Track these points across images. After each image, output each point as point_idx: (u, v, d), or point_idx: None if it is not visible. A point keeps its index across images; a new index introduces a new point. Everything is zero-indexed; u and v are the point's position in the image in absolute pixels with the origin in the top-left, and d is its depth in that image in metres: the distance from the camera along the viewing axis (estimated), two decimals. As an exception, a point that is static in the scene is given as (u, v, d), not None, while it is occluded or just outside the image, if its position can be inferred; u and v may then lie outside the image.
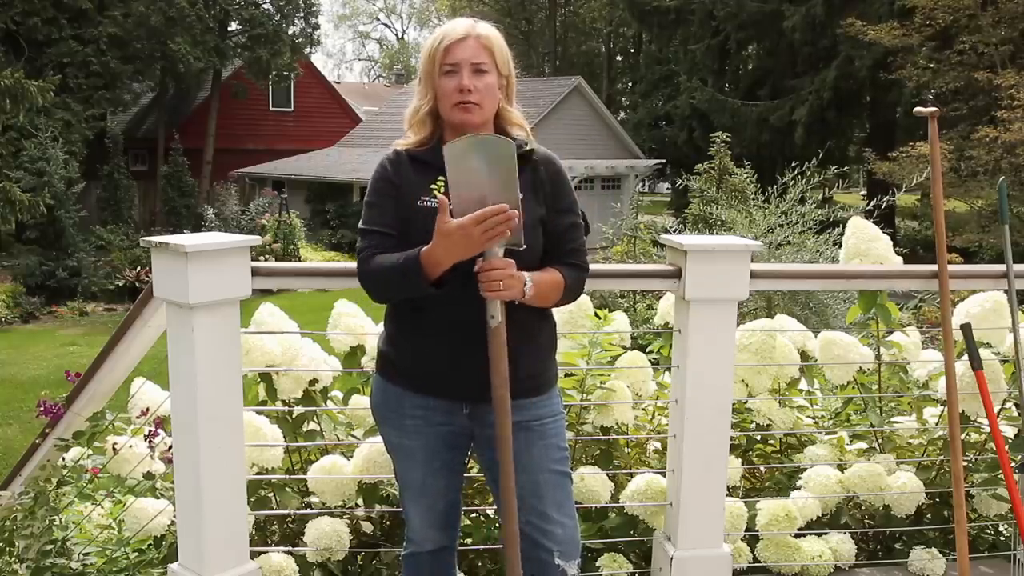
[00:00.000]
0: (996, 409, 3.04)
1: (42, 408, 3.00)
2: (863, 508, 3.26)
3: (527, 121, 2.26)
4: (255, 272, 2.55)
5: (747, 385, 3.25)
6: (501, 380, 2.04)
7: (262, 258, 16.88)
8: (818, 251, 8.96)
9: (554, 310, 2.29)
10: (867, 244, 3.23)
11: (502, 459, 2.07)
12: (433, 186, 2.13)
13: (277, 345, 2.91)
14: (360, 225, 2.20)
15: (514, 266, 2.02)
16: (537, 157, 2.19)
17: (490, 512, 3.01)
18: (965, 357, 2.99)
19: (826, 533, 3.16)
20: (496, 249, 2.00)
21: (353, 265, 2.27)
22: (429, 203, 2.11)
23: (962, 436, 3.08)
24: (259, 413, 2.91)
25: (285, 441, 2.95)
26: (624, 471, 3.13)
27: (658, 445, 3.27)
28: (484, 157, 1.96)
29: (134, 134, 29.28)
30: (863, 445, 3.39)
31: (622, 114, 37.92)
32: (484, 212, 1.94)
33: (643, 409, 3.34)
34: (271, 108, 31.60)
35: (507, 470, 2.07)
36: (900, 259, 3.29)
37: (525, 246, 2.04)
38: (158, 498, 2.93)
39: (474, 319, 2.06)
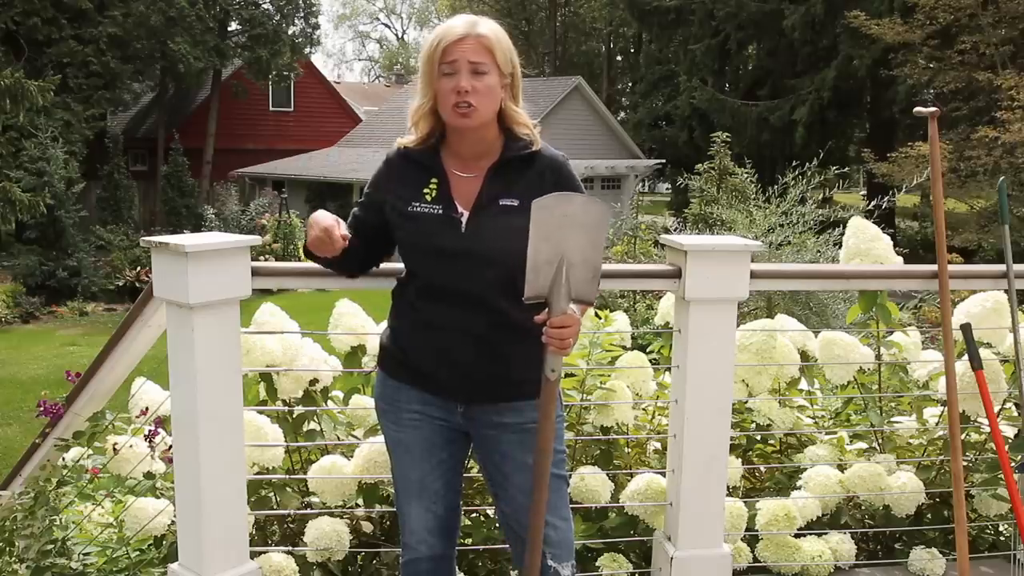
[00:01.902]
0: (996, 409, 3.04)
1: (42, 408, 3.00)
2: (863, 508, 3.26)
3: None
4: (255, 272, 2.55)
5: (747, 385, 3.25)
6: (550, 428, 2.05)
7: (262, 258, 16.88)
8: (818, 251, 8.96)
9: None
10: (867, 244, 3.24)
11: (536, 499, 2.09)
12: (426, 190, 2.14)
13: (277, 345, 2.91)
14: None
15: (578, 322, 2.01)
16: (542, 159, 2.17)
17: (490, 512, 3.01)
18: (965, 357, 2.99)
19: (826, 533, 3.16)
20: (565, 304, 1.98)
21: (352, 266, 2.30)
22: (421, 208, 2.13)
23: (962, 436, 3.08)
24: (259, 413, 2.91)
25: (285, 441, 2.95)
26: (624, 471, 3.13)
27: (658, 445, 3.27)
28: (575, 217, 1.97)
29: (134, 134, 29.29)
30: (863, 445, 3.39)
31: (622, 114, 37.90)
32: (328, 229, 2.07)
33: (643, 409, 3.34)
34: (271, 108, 31.61)
35: (538, 519, 2.10)
36: (900, 259, 3.29)
37: (594, 304, 2.08)
38: (158, 498, 2.93)
39: (469, 322, 2.08)
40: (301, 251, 2.29)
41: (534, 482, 2.09)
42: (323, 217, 2.13)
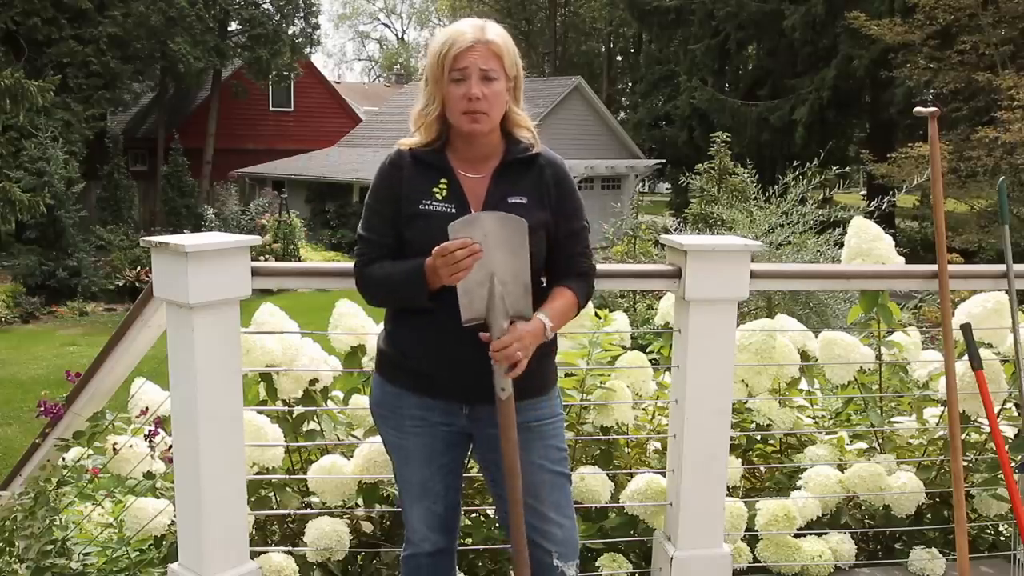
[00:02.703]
0: (996, 409, 3.04)
1: (42, 408, 3.00)
2: (863, 508, 3.26)
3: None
4: (255, 272, 2.55)
5: (747, 385, 3.25)
6: (512, 448, 2.08)
7: (262, 258, 16.89)
8: (819, 251, 8.96)
9: None
10: (869, 244, 3.24)
11: (513, 524, 2.12)
12: (435, 189, 2.14)
13: (277, 345, 2.91)
14: (359, 229, 2.24)
15: (523, 334, 2.03)
16: (542, 160, 2.19)
17: (490, 512, 3.01)
18: (965, 357, 2.99)
19: (826, 533, 3.16)
20: (504, 323, 2.02)
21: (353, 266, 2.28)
22: (432, 206, 2.12)
23: (962, 436, 3.08)
24: (259, 413, 2.91)
25: (285, 441, 2.95)
26: (624, 471, 3.13)
27: (658, 445, 3.27)
28: (495, 235, 1.99)
29: (134, 134, 29.30)
30: (863, 445, 3.39)
31: (622, 114, 37.91)
32: (444, 247, 1.98)
33: (643, 409, 3.34)
34: (271, 108, 31.62)
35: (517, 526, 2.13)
36: (902, 259, 3.29)
37: (532, 318, 2.08)
38: (158, 498, 2.93)
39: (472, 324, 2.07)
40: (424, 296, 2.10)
41: (509, 508, 2.12)
42: (432, 260, 2.02)
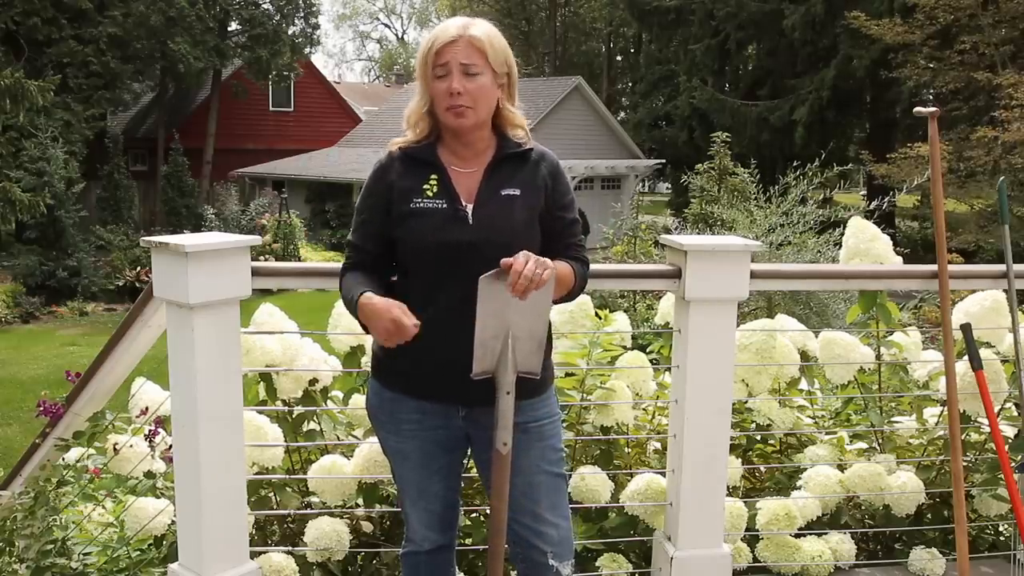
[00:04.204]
0: (996, 409, 3.04)
1: (42, 408, 3.00)
2: (863, 508, 3.26)
3: (527, 121, 2.27)
4: (255, 272, 2.55)
5: (747, 385, 3.25)
6: (503, 505, 2.09)
7: (262, 258, 16.89)
8: (819, 251, 8.97)
9: (552, 311, 2.29)
10: (867, 244, 3.24)
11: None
12: (426, 186, 2.14)
13: (277, 345, 2.91)
14: (348, 236, 2.26)
15: (527, 254, 1.97)
16: (536, 154, 2.21)
17: (489, 512, 3.00)
18: (965, 357, 2.99)
19: (826, 533, 3.16)
20: (510, 377, 2.03)
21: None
22: (423, 204, 2.12)
23: (962, 436, 3.08)
24: (259, 413, 2.91)
25: (285, 441, 2.95)
26: (624, 471, 3.13)
27: (658, 445, 3.27)
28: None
29: (134, 134, 29.30)
30: (863, 445, 3.39)
31: (622, 114, 37.90)
32: (404, 326, 1.97)
33: (643, 409, 3.34)
34: (271, 108, 31.62)
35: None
36: (900, 259, 3.29)
37: (539, 376, 2.09)
38: (158, 498, 2.93)
39: (468, 324, 2.05)
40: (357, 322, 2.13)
41: (488, 562, 2.12)
42: (386, 309, 2.02)
